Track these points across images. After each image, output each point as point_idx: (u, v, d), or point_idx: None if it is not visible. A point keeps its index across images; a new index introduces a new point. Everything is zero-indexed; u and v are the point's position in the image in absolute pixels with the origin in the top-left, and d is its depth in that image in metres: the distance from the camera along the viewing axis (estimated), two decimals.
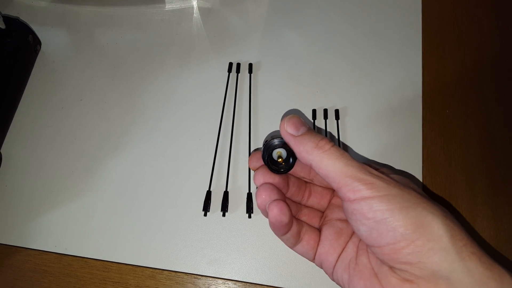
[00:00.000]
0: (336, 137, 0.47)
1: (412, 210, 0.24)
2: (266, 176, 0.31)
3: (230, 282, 0.42)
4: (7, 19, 0.45)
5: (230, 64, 0.51)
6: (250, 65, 0.51)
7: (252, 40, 0.54)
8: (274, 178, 0.31)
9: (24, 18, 0.52)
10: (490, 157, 0.47)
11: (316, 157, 0.26)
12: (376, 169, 0.27)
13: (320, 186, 0.34)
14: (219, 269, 0.42)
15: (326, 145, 0.27)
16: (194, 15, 0.56)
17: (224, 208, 0.44)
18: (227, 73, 0.51)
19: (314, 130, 0.30)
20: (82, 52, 0.53)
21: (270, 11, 0.56)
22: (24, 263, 0.43)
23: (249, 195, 0.44)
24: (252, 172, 0.46)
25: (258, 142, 0.47)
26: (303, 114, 0.49)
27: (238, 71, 0.51)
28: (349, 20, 0.54)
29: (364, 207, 0.24)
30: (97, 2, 0.56)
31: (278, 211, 0.28)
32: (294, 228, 0.30)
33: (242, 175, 0.46)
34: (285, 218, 0.28)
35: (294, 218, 0.31)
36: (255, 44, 0.53)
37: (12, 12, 0.54)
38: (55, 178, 0.46)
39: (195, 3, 0.56)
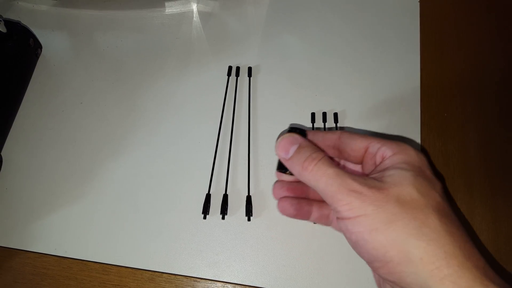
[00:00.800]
0: None
1: (382, 232, 0.23)
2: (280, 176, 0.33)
3: (229, 285, 0.42)
4: (9, 23, 0.46)
5: (230, 68, 0.52)
6: (250, 68, 0.51)
7: (251, 43, 0.54)
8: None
9: (25, 21, 0.53)
10: (489, 159, 0.47)
11: (305, 179, 0.27)
12: (377, 164, 0.28)
13: (347, 160, 0.33)
14: (218, 272, 0.42)
15: (309, 165, 0.27)
16: (194, 19, 0.56)
17: (224, 211, 0.44)
18: (227, 76, 0.51)
19: (306, 139, 0.31)
20: (83, 56, 0.54)
21: (269, 15, 0.56)
22: (23, 265, 0.43)
23: (249, 198, 0.44)
24: (251, 174, 0.46)
25: (258, 145, 0.47)
26: (302, 118, 0.49)
27: (237, 74, 0.51)
28: (348, 23, 0.55)
29: (342, 227, 0.25)
30: (98, 6, 0.56)
31: (281, 209, 0.32)
32: (315, 213, 0.33)
33: (241, 178, 0.46)
34: (290, 212, 0.32)
35: (318, 203, 0.33)
36: (254, 47, 0.54)
37: (13, 16, 0.55)
38: (55, 181, 0.46)
39: (194, 7, 0.57)
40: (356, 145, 0.30)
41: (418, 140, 0.47)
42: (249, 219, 0.44)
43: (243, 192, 0.45)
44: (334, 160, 0.34)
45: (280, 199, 0.33)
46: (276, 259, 0.42)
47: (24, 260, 0.43)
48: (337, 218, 0.26)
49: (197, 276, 0.42)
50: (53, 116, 0.50)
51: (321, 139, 0.31)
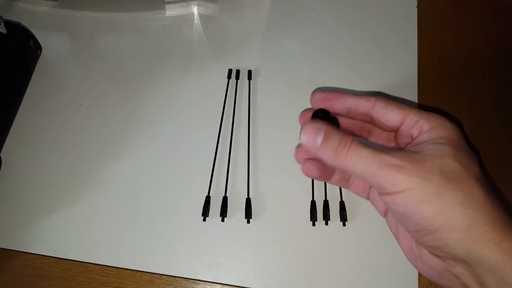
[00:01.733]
0: None
1: (431, 203, 0.25)
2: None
3: (228, 287, 0.43)
4: (9, 24, 0.46)
5: (230, 71, 0.52)
6: (250, 71, 0.52)
7: (251, 46, 0.55)
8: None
9: (25, 22, 0.53)
10: (485, 156, 0.48)
11: (340, 165, 0.27)
12: (411, 139, 0.28)
13: (380, 128, 0.33)
14: (218, 274, 0.43)
15: (342, 151, 0.27)
16: (195, 21, 0.57)
17: (223, 213, 0.45)
18: (227, 79, 0.52)
19: (329, 120, 0.30)
20: (83, 57, 0.54)
21: (269, 18, 0.57)
22: (22, 267, 0.43)
23: (248, 201, 0.45)
24: (251, 177, 0.47)
25: (257, 148, 0.48)
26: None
27: (237, 77, 0.52)
28: (347, 26, 0.56)
29: (388, 200, 0.26)
30: (98, 8, 0.57)
31: (306, 170, 0.33)
32: (336, 176, 0.34)
33: (241, 180, 0.46)
34: (315, 174, 0.32)
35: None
36: (254, 50, 0.54)
37: (13, 17, 0.55)
38: (55, 182, 0.47)
39: (195, 10, 0.57)
40: (393, 117, 0.29)
41: None
42: (248, 222, 0.44)
43: (242, 195, 0.46)
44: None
45: (304, 161, 0.33)
46: (275, 261, 0.43)
47: (23, 261, 0.43)
48: (380, 194, 0.27)
49: (197, 278, 0.43)
50: (53, 117, 0.50)
51: (354, 105, 0.31)
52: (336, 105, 0.32)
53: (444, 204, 0.25)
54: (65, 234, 0.44)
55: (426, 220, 0.25)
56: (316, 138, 0.28)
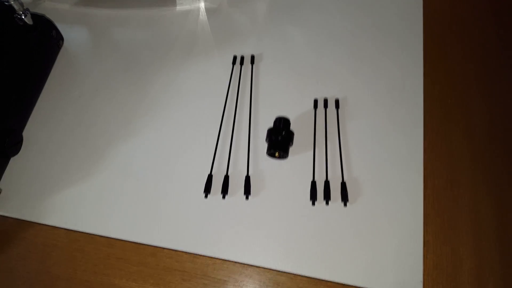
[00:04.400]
0: (336, 126, 0.50)
1: None
2: None
3: (228, 263, 0.45)
4: (34, 16, 0.52)
5: (234, 57, 0.56)
6: (252, 56, 0.55)
7: (255, 34, 0.58)
8: None
9: (49, 17, 0.59)
10: (494, 145, 0.48)
11: None
12: None
13: None
14: (218, 250, 0.45)
15: None
16: (202, 14, 0.61)
17: (224, 191, 0.47)
18: (231, 65, 0.55)
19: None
20: (100, 48, 0.59)
21: (273, 8, 0.60)
22: (36, 237, 0.47)
23: (247, 178, 0.47)
24: (251, 157, 0.49)
25: (259, 129, 0.51)
26: (303, 104, 0.52)
27: (242, 63, 0.55)
28: (349, 13, 0.58)
29: None
30: (115, 4, 0.63)
31: None
32: None
33: (242, 160, 0.49)
34: None
35: None
36: (258, 38, 0.58)
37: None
38: (69, 160, 0.51)
39: (203, 3, 0.62)
40: None
41: (421, 126, 0.49)
42: (247, 198, 0.47)
43: (243, 174, 0.48)
44: None
45: None
46: (274, 239, 0.44)
47: (37, 231, 0.48)
48: None
49: (197, 253, 0.45)
50: (71, 101, 0.55)
51: None
52: None
53: None
54: (76, 207, 0.48)
55: None
56: None
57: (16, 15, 0.49)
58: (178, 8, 0.62)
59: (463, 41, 0.54)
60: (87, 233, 0.47)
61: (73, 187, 0.49)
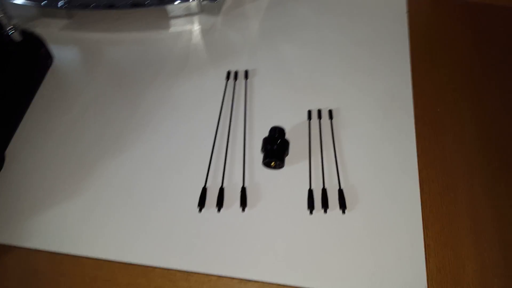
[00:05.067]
0: (331, 135, 0.51)
1: None
2: None
3: (224, 279, 0.42)
4: (23, 32, 0.52)
5: (228, 72, 0.57)
6: (246, 71, 0.57)
7: (249, 51, 0.60)
8: None
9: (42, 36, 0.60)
10: (487, 147, 0.49)
11: None
12: None
13: None
14: (214, 266, 0.42)
15: None
16: (196, 32, 0.63)
17: (220, 204, 0.46)
18: (225, 80, 0.56)
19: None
20: (91, 66, 0.60)
21: (266, 27, 0.63)
22: (16, 261, 0.44)
23: (243, 189, 0.46)
24: (246, 168, 0.48)
25: (254, 141, 0.51)
26: (297, 115, 0.52)
27: (235, 78, 0.57)
28: (339, 29, 0.61)
29: None
30: (108, 25, 0.64)
31: None
32: None
33: (237, 173, 0.48)
34: None
35: None
36: (252, 54, 0.60)
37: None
38: (52, 179, 0.49)
39: (197, 22, 0.64)
40: None
41: (413, 133, 0.50)
42: (243, 210, 0.45)
43: (239, 186, 0.47)
44: None
45: None
46: (272, 251, 0.43)
47: (17, 256, 0.44)
48: None
49: (191, 270, 0.43)
50: (58, 118, 0.54)
51: None
52: None
53: None
54: (60, 228, 0.46)
55: None
56: None
57: (5, 30, 0.49)
58: (172, 30, 0.64)
59: (448, 51, 0.57)
60: (72, 255, 0.44)
61: (57, 207, 0.47)
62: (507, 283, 0.41)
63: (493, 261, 0.42)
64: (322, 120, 0.52)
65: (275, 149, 0.47)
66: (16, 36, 0.50)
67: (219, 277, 0.43)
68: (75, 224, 0.46)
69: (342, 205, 0.45)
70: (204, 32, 0.63)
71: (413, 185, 0.47)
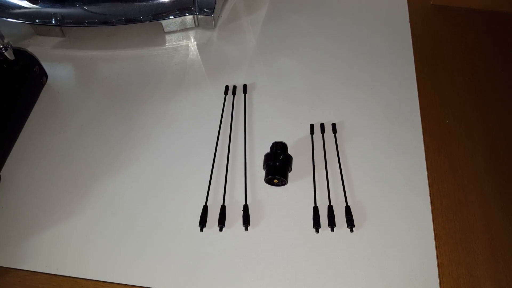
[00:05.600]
0: (335, 150, 0.50)
1: None
2: None
3: None
4: (17, 50, 0.52)
5: (227, 87, 0.56)
6: (245, 86, 0.56)
7: (247, 65, 0.60)
8: None
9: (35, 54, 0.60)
10: (497, 160, 0.48)
11: None
12: None
13: None
14: (216, 287, 0.42)
15: None
16: (192, 47, 0.63)
17: (222, 222, 0.45)
18: (224, 95, 0.56)
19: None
20: (86, 83, 0.59)
21: (263, 40, 0.63)
22: (12, 284, 0.43)
23: (245, 207, 0.45)
24: (248, 185, 0.47)
25: (255, 156, 0.50)
26: (299, 130, 0.52)
27: (234, 93, 0.56)
28: (340, 41, 0.61)
29: None
30: (102, 41, 0.64)
31: None
32: None
33: (239, 190, 0.47)
34: None
35: None
36: (249, 68, 0.59)
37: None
38: (49, 198, 0.48)
39: (193, 37, 0.64)
40: None
41: (422, 146, 0.49)
42: (246, 229, 0.44)
43: (241, 203, 0.46)
44: None
45: None
46: (277, 272, 0.42)
47: (14, 278, 0.43)
48: None
49: None
50: (53, 137, 0.53)
51: None
52: None
53: None
54: (58, 249, 0.45)
55: None
56: None
57: None
58: (168, 45, 0.63)
59: (454, 61, 0.56)
60: (71, 277, 0.43)
61: (54, 228, 0.46)
62: None
63: (510, 279, 0.41)
64: (325, 134, 0.51)
65: (278, 165, 0.46)
66: (9, 55, 0.50)
67: None
68: (73, 245, 0.45)
69: (350, 223, 0.44)
70: (201, 47, 0.63)
71: (424, 201, 0.46)
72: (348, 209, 0.45)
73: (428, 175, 0.47)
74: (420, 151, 0.49)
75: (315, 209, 0.45)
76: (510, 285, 0.40)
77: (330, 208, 0.45)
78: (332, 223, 0.44)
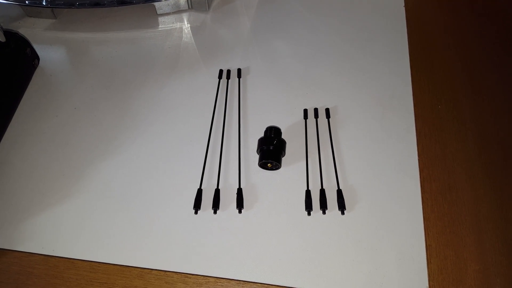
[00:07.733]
0: (328, 135, 0.53)
1: None
2: None
3: (222, 280, 0.45)
4: (7, 32, 0.54)
5: (221, 71, 0.59)
6: (239, 70, 0.59)
7: (241, 48, 0.63)
8: None
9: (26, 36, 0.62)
10: (487, 146, 0.52)
11: None
12: None
13: None
14: (211, 268, 0.45)
15: None
16: (186, 30, 0.65)
17: (216, 205, 0.48)
18: (218, 79, 0.58)
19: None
20: (78, 66, 0.62)
21: (257, 23, 0.65)
22: (9, 265, 0.47)
23: (239, 191, 0.49)
24: (242, 169, 0.51)
25: (249, 141, 0.53)
26: (293, 115, 0.55)
27: (228, 77, 0.59)
28: (335, 25, 0.64)
29: None
30: (94, 23, 0.66)
31: None
32: None
33: (233, 173, 0.51)
34: None
35: None
36: (244, 52, 0.62)
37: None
38: (45, 181, 0.52)
39: (186, 20, 0.66)
40: None
41: (413, 131, 0.53)
42: (240, 212, 0.48)
43: (235, 187, 0.50)
44: None
45: None
46: (270, 253, 0.45)
47: (11, 259, 0.47)
48: None
49: (188, 272, 0.45)
50: (47, 120, 0.56)
51: None
52: None
53: None
54: (55, 231, 0.48)
55: None
56: None
57: None
58: (161, 27, 0.66)
59: (447, 47, 0.59)
60: (67, 258, 0.47)
61: (50, 210, 0.49)
62: (509, 283, 0.44)
63: (496, 261, 0.45)
64: (319, 119, 0.54)
65: (272, 149, 0.49)
66: (1, 37, 0.52)
67: (217, 278, 0.45)
68: (69, 227, 0.48)
69: (341, 206, 0.47)
70: (194, 29, 0.66)
71: (414, 185, 0.49)
72: (339, 193, 0.48)
73: (419, 160, 0.50)
74: (411, 136, 0.52)
75: (308, 193, 0.48)
76: (495, 266, 0.44)
77: (322, 192, 0.48)
78: (324, 206, 0.47)
